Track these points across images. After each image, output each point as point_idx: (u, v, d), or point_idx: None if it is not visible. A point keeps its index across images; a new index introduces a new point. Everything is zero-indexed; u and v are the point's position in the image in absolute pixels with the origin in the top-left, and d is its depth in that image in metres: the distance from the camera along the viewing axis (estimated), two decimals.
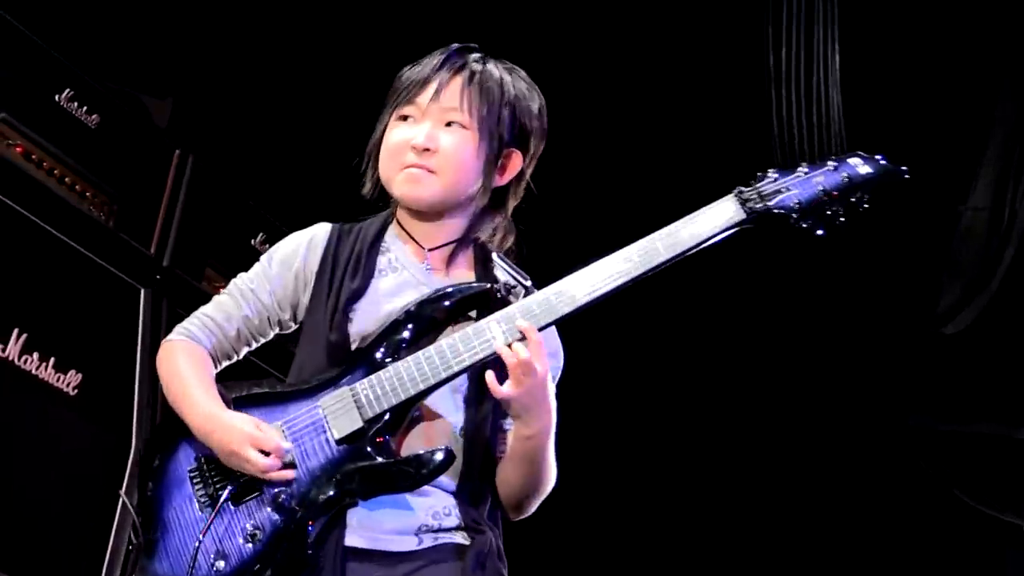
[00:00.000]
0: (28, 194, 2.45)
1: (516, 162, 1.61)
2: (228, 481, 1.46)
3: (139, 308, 2.71)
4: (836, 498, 3.85)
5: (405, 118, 1.56)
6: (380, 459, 1.42)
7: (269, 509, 1.44)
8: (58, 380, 2.51)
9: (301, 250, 1.61)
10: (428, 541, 1.45)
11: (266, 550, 1.43)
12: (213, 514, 1.45)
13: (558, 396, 1.49)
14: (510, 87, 1.58)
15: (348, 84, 3.21)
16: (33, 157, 2.50)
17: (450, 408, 1.50)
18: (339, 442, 1.43)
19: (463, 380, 1.48)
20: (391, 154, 1.56)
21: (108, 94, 2.72)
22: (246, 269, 1.66)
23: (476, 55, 1.59)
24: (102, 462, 2.59)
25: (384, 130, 1.59)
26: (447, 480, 1.47)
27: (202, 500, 1.48)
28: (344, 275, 1.57)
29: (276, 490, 1.43)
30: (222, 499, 1.45)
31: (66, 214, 2.57)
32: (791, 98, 2.95)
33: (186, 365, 1.55)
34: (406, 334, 1.48)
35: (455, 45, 1.60)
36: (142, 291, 2.73)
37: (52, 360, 2.48)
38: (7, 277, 2.40)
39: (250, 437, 1.42)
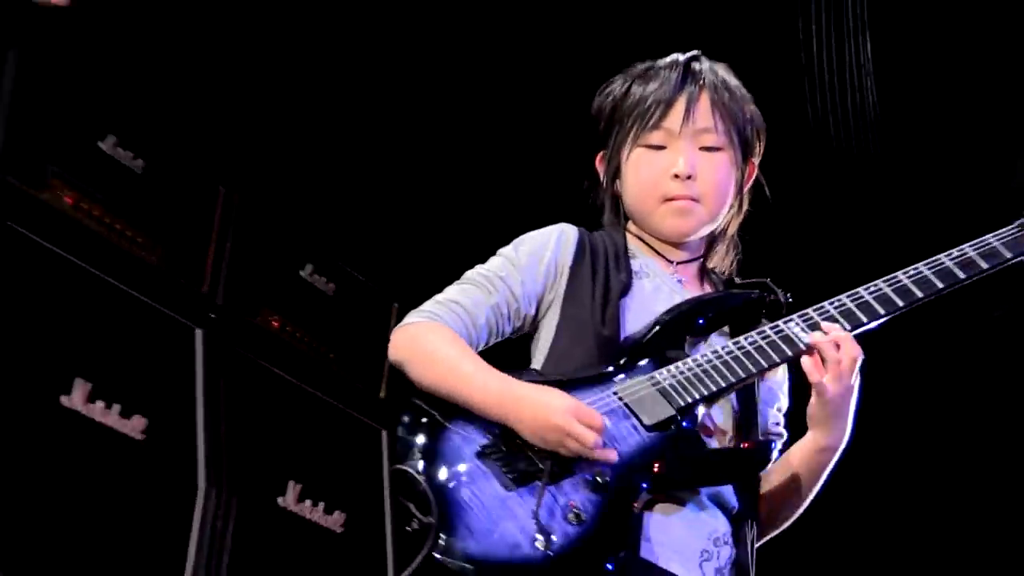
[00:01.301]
0: (76, 242, 2.40)
1: (752, 171, 1.58)
2: (538, 459, 1.33)
3: (195, 349, 2.64)
4: None
5: (654, 146, 1.50)
6: (701, 445, 1.39)
7: (588, 490, 1.33)
8: (123, 426, 2.43)
9: (551, 243, 1.52)
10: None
11: (594, 529, 1.31)
12: (541, 493, 1.31)
13: None
14: (742, 94, 1.55)
15: (378, 110, 3.15)
16: (83, 207, 2.43)
17: (726, 422, 1.46)
18: (650, 428, 1.35)
19: (733, 398, 1.46)
20: (649, 186, 1.51)
21: (151, 136, 2.65)
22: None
23: (705, 63, 1.54)
24: (169, 509, 2.51)
25: (621, 159, 1.54)
26: (730, 496, 1.41)
27: (510, 477, 1.33)
28: (607, 269, 1.49)
29: (593, 471, 1.32)
30: (545, 477, 1.32)
31: (116, 258, 2.52)
32: (824, 89, 2.85)
33: (444, 343, 1.40)
34: (694, 331, 1.46)
35: (681, 56, 1.54)
36: (197, 331, 2.65)
37: (117, 407, 2.41)
38: (62, 325, 2.34)
39: (575, 410, 1.30)
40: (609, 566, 1.29)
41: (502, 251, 1.55)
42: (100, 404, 2.36)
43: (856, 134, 2.84)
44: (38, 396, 2.22)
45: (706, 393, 1.37)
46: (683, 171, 1.46)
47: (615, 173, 1.56)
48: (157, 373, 2.57)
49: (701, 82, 1.49)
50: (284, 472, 2.72)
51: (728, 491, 1.41)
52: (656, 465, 1.34)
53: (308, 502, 2.75)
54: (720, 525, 1.40)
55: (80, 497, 2.28)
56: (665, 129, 1.48)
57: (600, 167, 1.62)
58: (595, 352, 1.42)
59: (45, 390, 2.24)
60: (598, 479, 1.31)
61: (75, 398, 2.30)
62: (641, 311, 1.47)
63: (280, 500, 2.70)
